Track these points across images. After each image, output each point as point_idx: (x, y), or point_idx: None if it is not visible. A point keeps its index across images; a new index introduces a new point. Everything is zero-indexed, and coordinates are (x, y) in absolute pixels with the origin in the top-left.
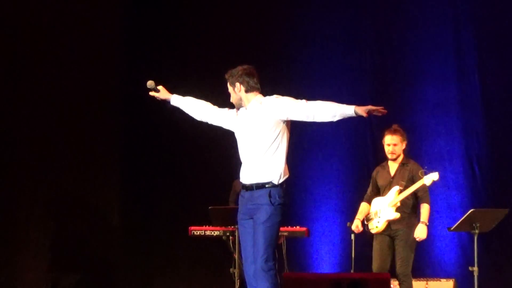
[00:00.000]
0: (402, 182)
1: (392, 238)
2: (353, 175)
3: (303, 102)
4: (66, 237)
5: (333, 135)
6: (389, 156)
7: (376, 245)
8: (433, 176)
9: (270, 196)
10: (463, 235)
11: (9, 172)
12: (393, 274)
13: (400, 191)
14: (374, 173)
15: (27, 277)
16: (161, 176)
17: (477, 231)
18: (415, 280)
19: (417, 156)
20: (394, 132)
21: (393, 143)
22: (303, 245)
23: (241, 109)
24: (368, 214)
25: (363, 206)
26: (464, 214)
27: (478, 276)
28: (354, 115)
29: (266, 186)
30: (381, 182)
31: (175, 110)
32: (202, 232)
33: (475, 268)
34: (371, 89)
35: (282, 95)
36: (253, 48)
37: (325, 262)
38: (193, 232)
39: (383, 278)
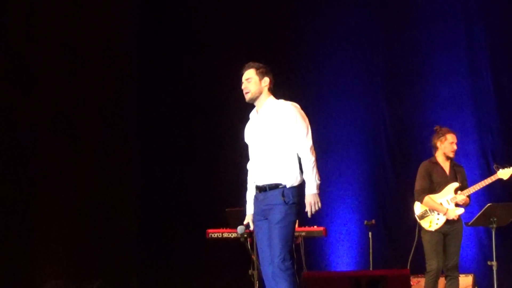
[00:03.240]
0: (459, 181)
1: (444, 234)
2: (369, 174)
3: (307, 149)
4: (85, 243)
5: (348, 135)
6: (451, 155)
7: (436, 242)
8: None
9: (283, 195)
10: (480, 230)
11: (27, 180)
12: None
13: (457, 189)
14: (427, 168)
15: (49, 283)
16: (178, 179)
17: (494, 226)
18: None
19: (431, 153)
20: (454, 131)
21: (456, 141)
22: (321, 245)
23: (252, 113)
24: (424, 212)
25: (432, 200)
26: (481, 209)
27: (497, 270)
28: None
29: (280, 186)
30: (438, 179)
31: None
32: (219, 235)
33: (494, 263)
34: (384, 87)
35: (294, 91)
36: (264, 44)
37: (343, 261)
38: (211, 235)
39: (403, 275)
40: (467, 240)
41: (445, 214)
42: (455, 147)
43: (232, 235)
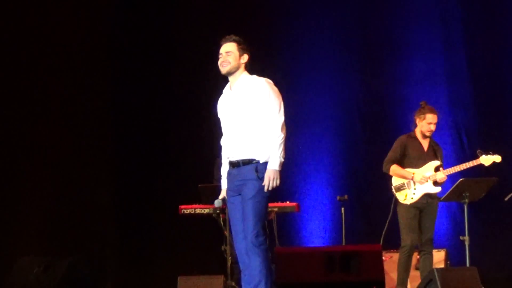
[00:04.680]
0: (439, 159)
1: (420, 210)
2: (342, 149)
3: (278, 125)
4: (59, 219)
5: (321, 110)
6: (427, 134)
7: (411, 217)
8: (495, 158)
9: (257, 171)
10: (453, 205)
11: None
12: None
13: (437, 168)
14: (403, 141)
15: (20, 260)
16: (151, 155)
17: (467, 201)
18: None
19: (405, 128)
20: (436, 111)
21: (434, 122)
22: (293, 220)
23: (225, 88)
24: (401, 184)
25: (398, 168)
26: (453, 184)
27: (470, 245)
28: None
29: (253, 162)
30: (414, 153)
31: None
32: (192, 211)
33: (466, 237)
34: (358, 61)
35: (268, 66)
36: (239, 20)
37: (316, 236)
38: (183, 211)
39: (375, 250)
40: (440, 215)
41: (412, 178)
42: (432, 128)
43: (204, 211)
